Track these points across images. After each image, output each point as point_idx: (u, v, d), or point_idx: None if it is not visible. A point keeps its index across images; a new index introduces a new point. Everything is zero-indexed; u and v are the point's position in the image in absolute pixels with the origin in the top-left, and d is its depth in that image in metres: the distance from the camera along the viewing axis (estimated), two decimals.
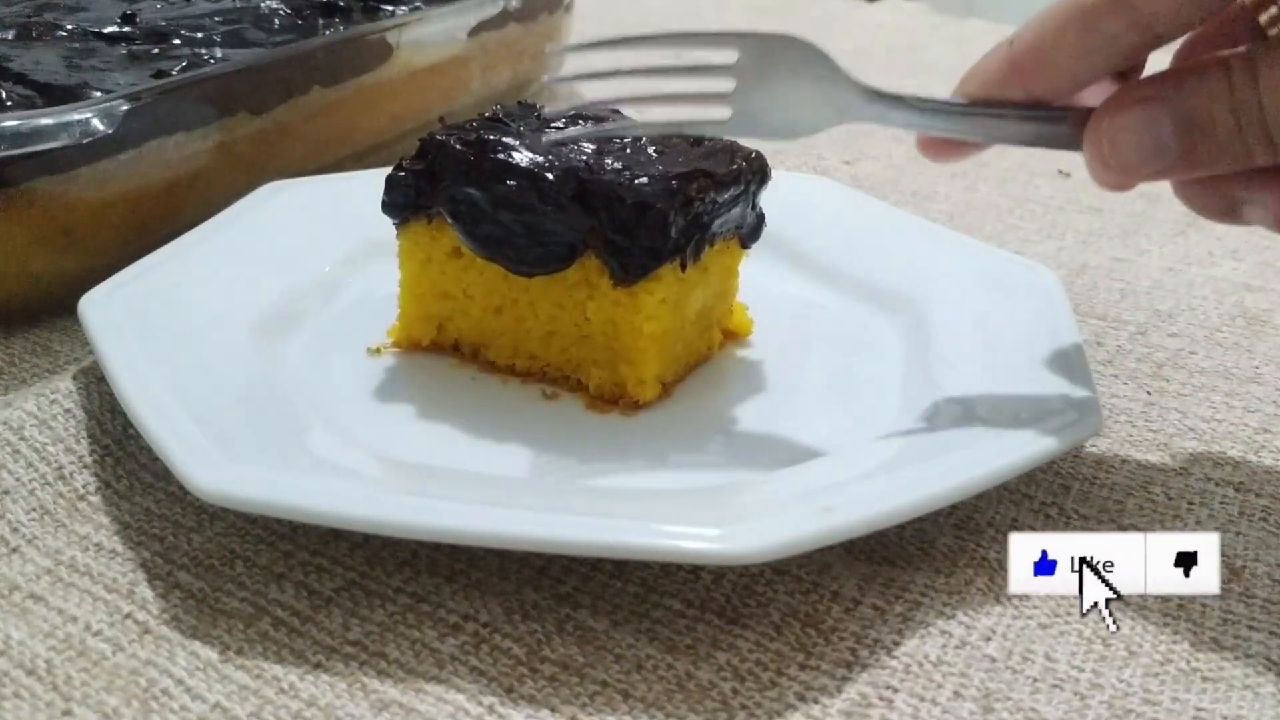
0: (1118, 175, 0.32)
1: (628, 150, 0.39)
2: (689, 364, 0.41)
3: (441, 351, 0.42)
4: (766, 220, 0.43)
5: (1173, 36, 0.31)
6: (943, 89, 0.45)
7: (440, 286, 0.41)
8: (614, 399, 0.39)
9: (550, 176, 0.37)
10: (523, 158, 0.38)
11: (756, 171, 0.41)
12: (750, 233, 0.42)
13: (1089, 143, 0.32)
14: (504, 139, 0.39)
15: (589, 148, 0.39)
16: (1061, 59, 0.32)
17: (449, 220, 0.39)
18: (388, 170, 0.40)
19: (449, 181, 0.38)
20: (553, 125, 0.41)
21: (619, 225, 0.36)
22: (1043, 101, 0.33)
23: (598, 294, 0.38)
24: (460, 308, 0.41)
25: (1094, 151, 0.32)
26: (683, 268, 0.38)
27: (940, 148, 0.36)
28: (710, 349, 0.42)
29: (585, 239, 0.37)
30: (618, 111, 0.43)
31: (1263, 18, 0.32)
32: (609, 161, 0.38)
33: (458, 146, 0.38)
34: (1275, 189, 0.31)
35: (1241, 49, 0.30)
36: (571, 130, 0.40)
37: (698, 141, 0.40)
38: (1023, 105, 0.34)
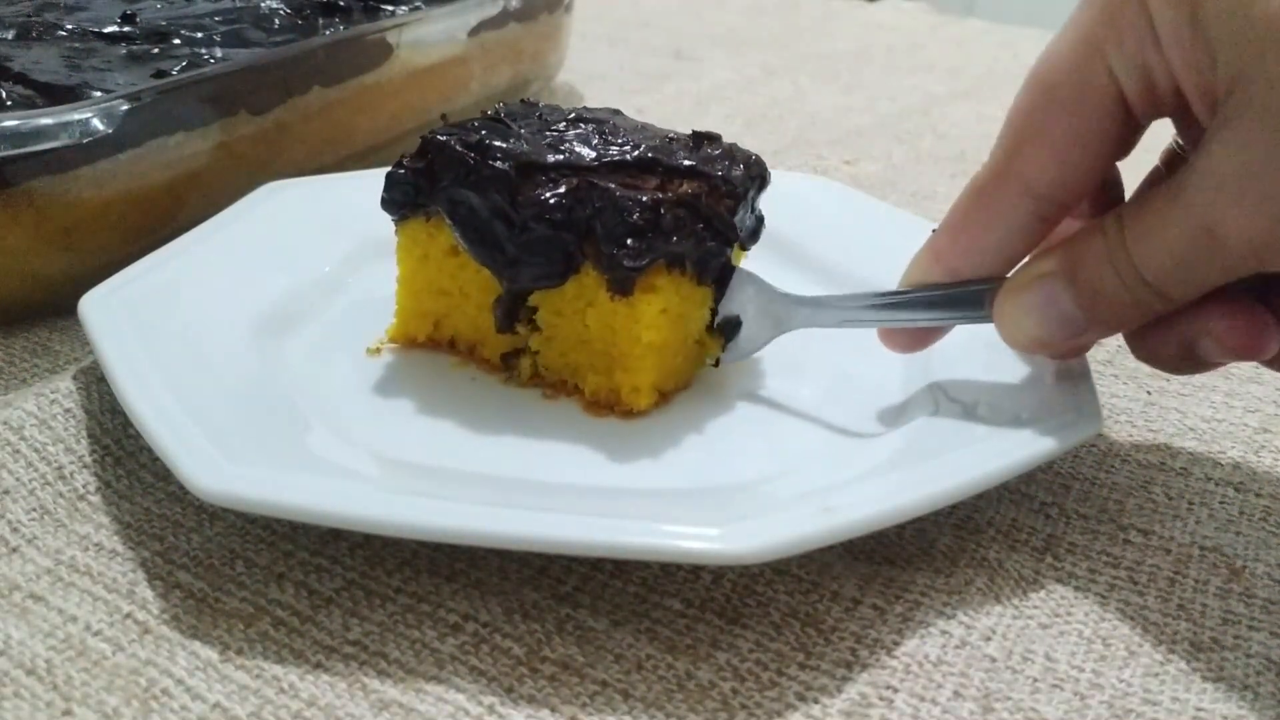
0: (1034, 348, 0.33)
1: (627, 158, 0.39)
2: (690, 376, 0.40)
3: (438, 348, 0.42)
4: (766, 221, 0.43)
5: (1066, 201, 0.32)
6: (943, 89, 0.45)
7: (437, 284, 0.41)
8: (609, 405, 0.38)
9: (547, 194, 0.37)
10: (519, 163, 0.38)
11: (756, 176, 0.41)
12: (749, 235, 0.42)
13: (999, 324, 0.33)
14: (505, 143, 0.39)
15: (589, 155, 0.39)
16: (971, 240, 0.34)
17: (447, 220, 0.39)
18: (388, 170, 0.40)
19: (448, 182, 0.38)
20: (553, 127, 0.41)
21: (612, 236, 0.36)
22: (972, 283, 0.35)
23: (597, 302, 0.38)
24: (456, 305, 0.41)
25: (1005, 332, 0.33)
26: (683, 272, 0.37)
27: (898, 339, 0.38)
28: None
29: (582, 249, 0.37)
30: (618, 112, 0.43)
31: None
32: (606, 171, 0.38)
33: (458, 147, 0.38)
34: (1213, 317, 0.30)
35: (1111, 212, 0.30)
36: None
37: (698, 145, 0.40)
38: (943, 287, 0.35)
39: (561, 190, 0.37)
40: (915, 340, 0.38)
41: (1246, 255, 0.27)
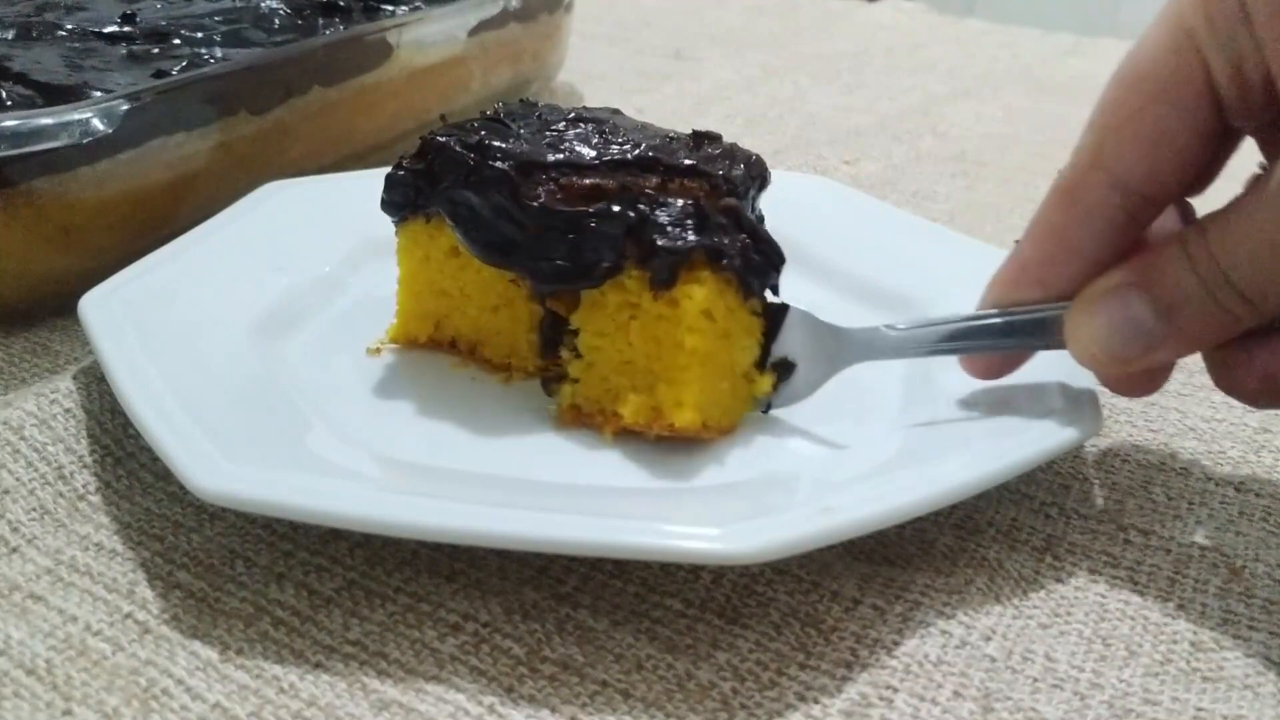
0: (1108, 365, 0.31)
1: (628, 157, 0.39)
2: (736, 416, 0.37)
3: (439, 349, 0.42)
4: (766, 221, 0.42)
5: (1155, 196, 0.31)
6: (943, 89, 0.45)
7: (438, 285, 0.41)
8: (649, 425, 0.36)
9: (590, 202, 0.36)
10: (519, 163, 0.38)
11: (756, 176, 0.41)
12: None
13: (1070, 340, 0.32)
14: (505, 143, 0.39)
15: (589, 154, 0.39)
16: (1059, 244, 0.32)
17: (449, 222, 0.39)
18: (388, 170, 0.40)
19: (448, 183, 0.38)
20: (553, 127, 0.41)
21: (656, 223, 0.35)
22: (1063, 297, 0.33)
23: (641, 311, 0.36)
24: (457, 306, 0.41)
25: (1076, 348, 0.32)
26: (727, 278, 0.36)
27: (979, 365, 0.36)
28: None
29: (624, 250, 0.36)
30: (617, 112, 0.43)
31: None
32: (606, 170, 0.38)
33: (457, 148, 0.38)
34: None
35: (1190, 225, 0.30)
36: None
37: (698, 145, 0.40)
38: (1008, 313, 0.34)
39: (602, 188, 0.37)
40: (997, 367, 0.36)
41: None
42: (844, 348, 0.37)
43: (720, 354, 0.36)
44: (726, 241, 0.36)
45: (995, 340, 0.35)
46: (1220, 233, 0.28)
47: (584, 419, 0.38)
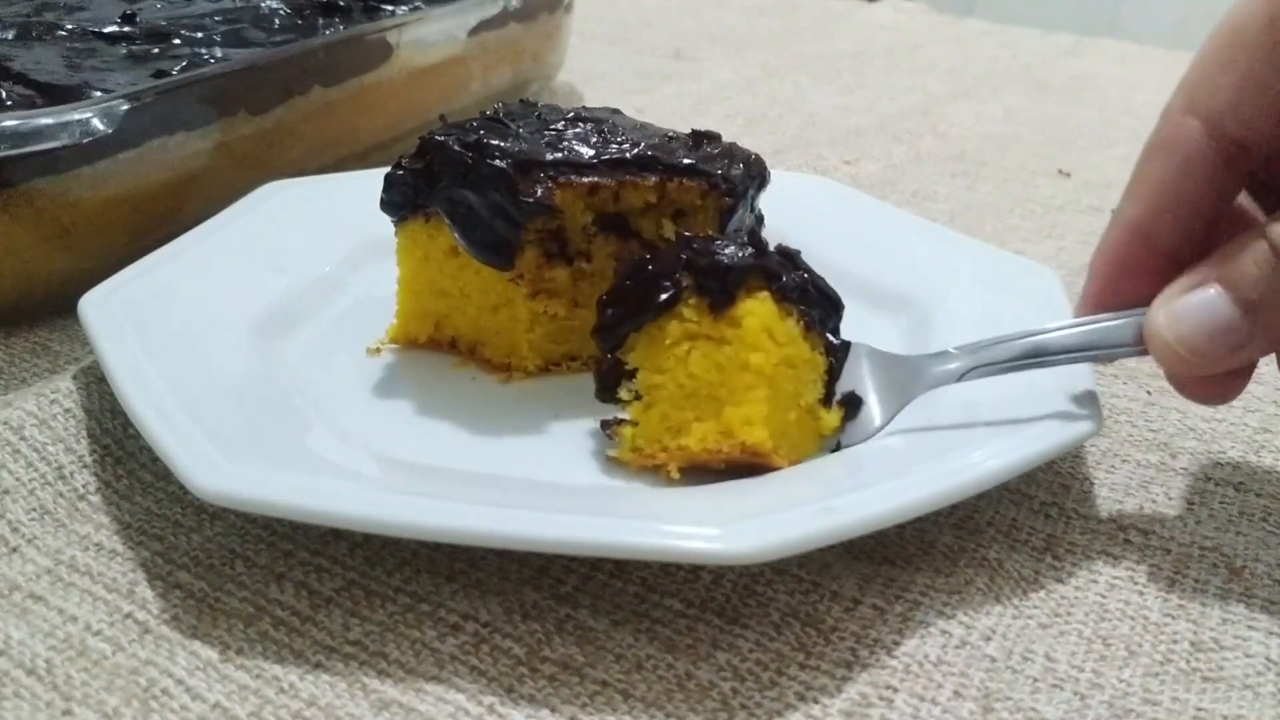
0: (1191, 365, 0.30)
1: (627, 156, 0.39)
2: (803, 450, 0.35)
3: (439, 349, 0.42)
4: (766, 220, 0.43)
5: (1247, 142, 0.31)
6: (943, 89, 0.45)
7: (438, 284, 0.41)
8: (718, 447, 0.34)
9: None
10: (518, 162, 0.38)
11: (755, 175, 0.41)
12: (748, 235, 0.42)
13: (1150, 339, 0.31)
14: (504, 142, 0.39)
15: (588, 153, 0.39)
16: (1161, 197, 0.32)
17: (446, 221, 0.39)
18: (388, 170, 0.40)
19: (446, 182, 0.38)
20: (552, 127, 0.41)
21: (711, 247, 0.35)
22: (1170, 255, 0.32)
23: (700, 338, 0.34)
24: (457, 306, 0.41)
25: (1157, 348, 0.31)
26: (787, 307, 0.35)
27: (1201, 387, 0.33)
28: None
29: (680, 278, 0.35)
30: (617, 111, 0.43)
31: None
32: (605, 169, 0.38)
33: (456, 147, 0.38)
34: None
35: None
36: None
37: (697, 144, 0.41)
38: (1083, 323, 0.34)
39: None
40: (1223, 383, 0.33)
41: None
42: (913, 377, 0.36)
43: (784, 379, 0.35)
44: (784, 278, 0.35)
45: (1069, 353, 0.34)
46: None
47: (646, 459, 0.35)
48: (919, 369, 0.36)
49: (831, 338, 0.36)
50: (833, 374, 0.36)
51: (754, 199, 0.41)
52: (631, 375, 0.36)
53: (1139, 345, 0.32)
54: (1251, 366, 0.32)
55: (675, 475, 0.35)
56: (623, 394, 0.36)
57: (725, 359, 0.34)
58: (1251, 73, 0.30)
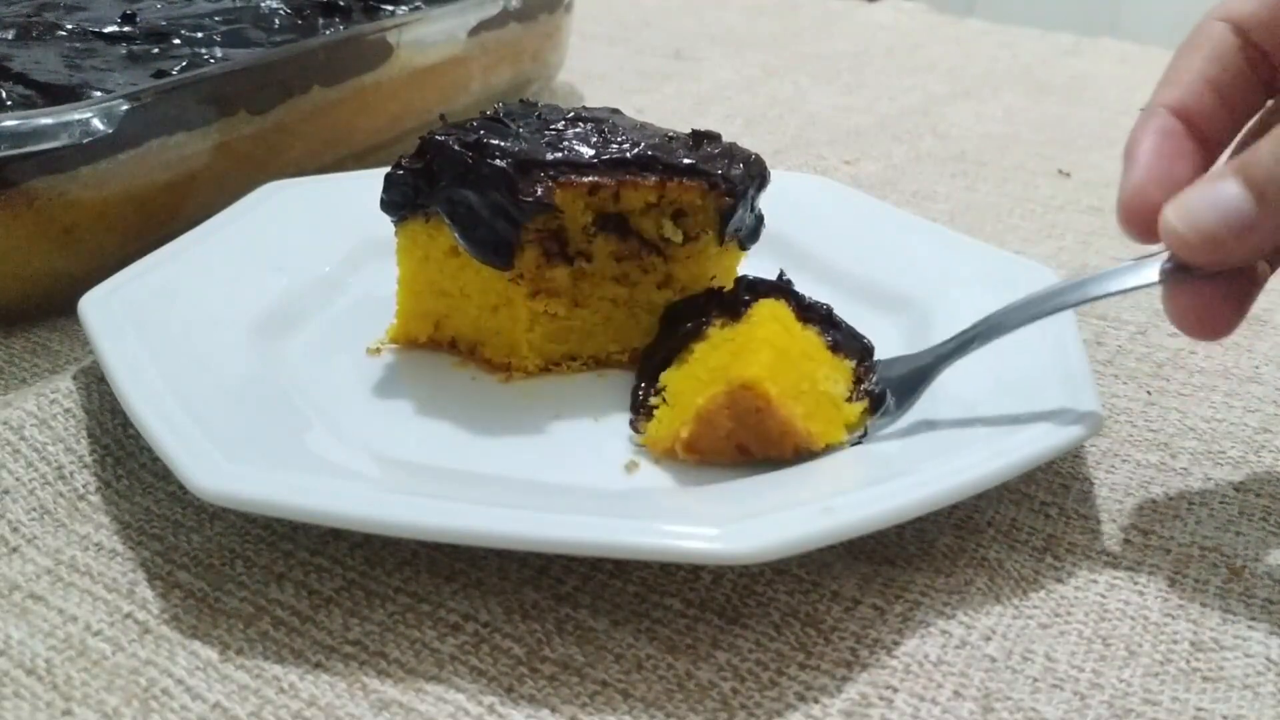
0: (1202, 249, 0.31)
1: (627, 155, 0.39)
2: (824, 435, 0.35)
3: (439, 349, 0.42)
4: (766, 220, 0.43)
5: (1267, 41, 0.33)
6: (943, 89, 0.45)
7: (438, 284, 0.41)
8: (715, 397, 0.34)
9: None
10: (518, 161, 0.38)
11: (755, 175, 0.41)
12: (749, 234, 0.42)
13: (1165, 230, 0.31)
14: (504, 142, 0.39)
15: (588, 153, 0.39)
16: (1183, 74, 0.34)
17: (446, 221, 0.39)
18: (387, 170, 0.40)
19: (446, 182, 0.38)
20: (552, 126, 0.41)
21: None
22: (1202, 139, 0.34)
23: (719, 344, 0.37)
24: (457, 305, 0.41)
25: (1170, 234, 0.31)
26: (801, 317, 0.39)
27: (1198, 314, 0.33)
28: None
29: (710, 310, 0.40)
30: (617, 111, 0.43)
31: None
32: (605, 168, 0.38)
33: (456, 147, 0.38)
34: None
35: None
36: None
37: (697, 144, 0.41)
38: (1063, 288, 0.35)
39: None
40: (1213, 322, 0.33)
41: None
42: (931, 364, 0.37)
43: (795, 354, 0.35)
44: (805, 300, 0.40)
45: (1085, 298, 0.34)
46: None
47: (666, 441, 0.36)
48: (937, 359, 0.37)
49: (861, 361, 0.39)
50: (859, 380, 0.38)
51: (754, 199, 0.41)
52: (661, 390, 0.38)
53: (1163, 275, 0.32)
54: (1248, 297, 0.33)
55: (683, 454, 0.35)
56: (653, 401, 0.38)
57: (738, 342, 0.36)
58: None
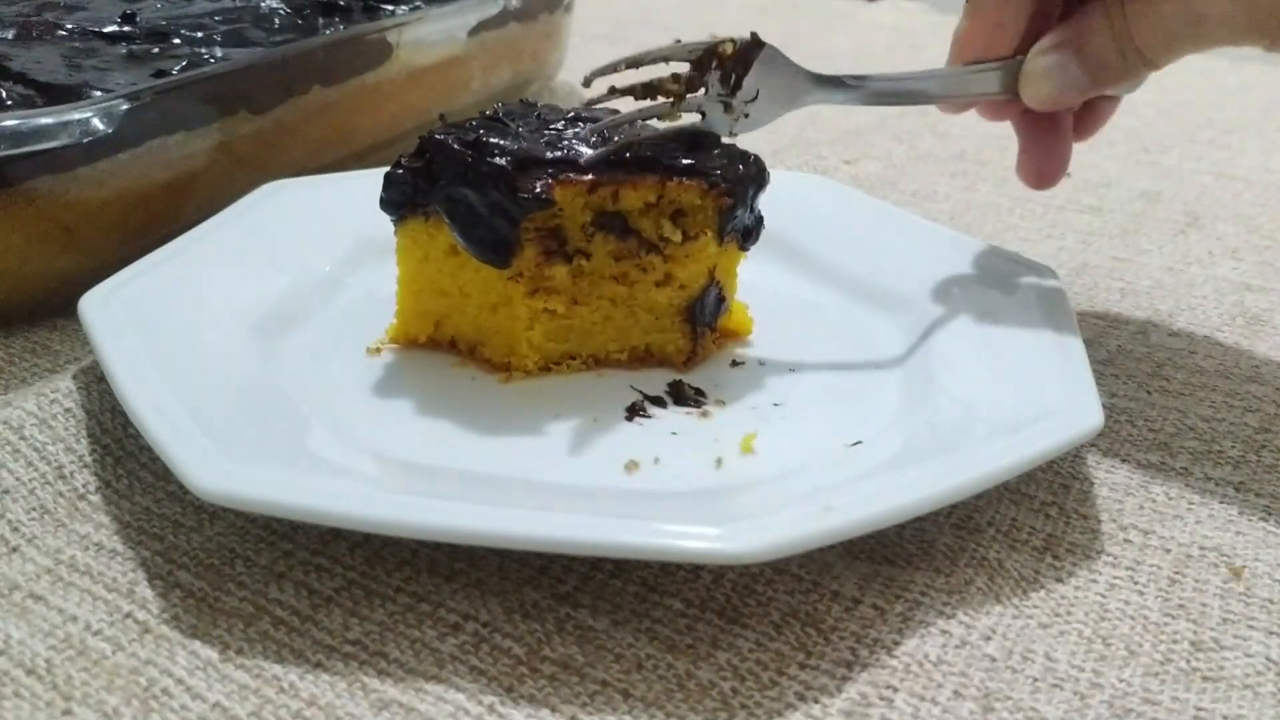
0: (1048, 105, 0.41)
1: (626, 155, 0.39)
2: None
3: (439, 349, 0.42)
4: (766, 221, 0.43)
5: None
6: None
7: (437, 284, 0.41)
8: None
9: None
10: (517, 159, 0.38)
11: (755, 175, 0.41)
12: (749, 235, 0.42)
13: (1024, 89, 0.41)
14: (503, 141, 0.39)
15: (587, 152, 0.39)
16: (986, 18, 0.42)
17: (446, 220, 0.39)
18: (387, 169, 0.40)
19: (446, 181, 0.38)
20: (551, 126, 0.41)
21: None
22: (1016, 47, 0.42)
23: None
24: (457, 305, 0.41)
25: (1028, 93, 0.41)
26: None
27: (1037, 174, 0.45)
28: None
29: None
30: (615, 112, 0.43)
31: None
32: (605, 168, 0.38)
33: (455, 146, 0.38)
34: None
35: None
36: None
37: (695, 145, 0.41)
38: (961, 67, 0.42)
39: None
40: (1049, 172, 0.44)
41: (1223, 36, 0.36)
42: (805, 88, 0.41)
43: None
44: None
45: (955, 92, 0.42)
46: (1136, 11, 0.37)
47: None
48: (812, 87, 0.41)
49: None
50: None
51: (754, 199, 0.41)
52: None
53: (1002, 92, 0.42)
54: (1068, 154, 0.44)
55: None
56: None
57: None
58: None
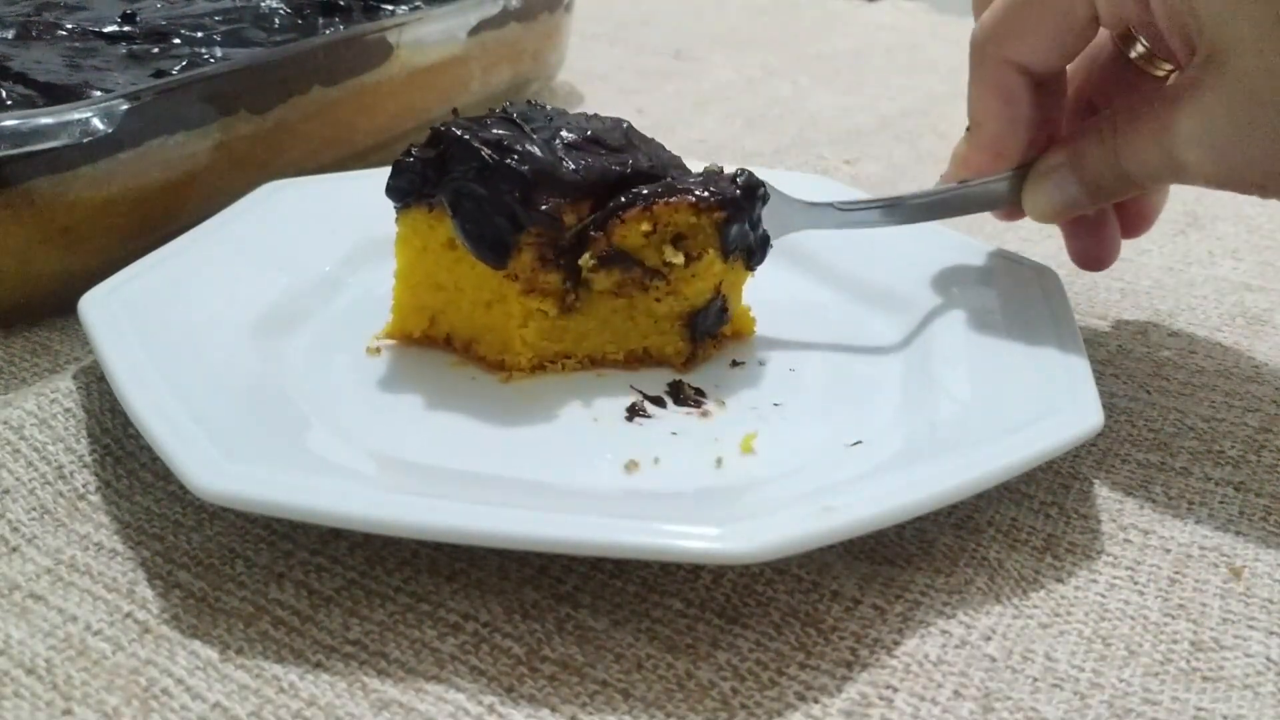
0: (1050, 220, 0.42)
1: (628, 172, 0.40)
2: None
3: (434, 345, 0.42)
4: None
5: (1050, 72, 0.41)
6: (943, 89, 0.45)
7: (434, 277, 0.41)
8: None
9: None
10: (536, 170, 0.38)
11: (745, 187, 0.40)
12: (754, 253, 0.41)
13: (1028, 207, 0.42)
14: (523, 146, 0.39)
15: (598, 166, 0.39)
16: (992, 123, 0.42)
17: (448, 211, 0.39)
18: (388, 170, 0.40)
19: (458, 174, 0.38)
20: (563, 136, 0.41)
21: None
22: (1015, 164, 0.42)
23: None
24: (452, 300, 0.41)
25: (1033, 213, 0.42)
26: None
27: (1090, 257, 0.46)
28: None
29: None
30: (621, 121, 0.44)
31: (1132, 54, 0.40)
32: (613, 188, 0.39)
33: (475, 143, 0.38)
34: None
35: (1107, 112, 0.39)
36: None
37: (688, 173, 0.41)
38: (945, 190, 0.43)
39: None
40: (1099, 256, 0.45)
41: (1201, 182, 0.37)
42: (792, 216, 0.42)
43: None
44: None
45: (934, 213, 0.43)
46: (1126, 141, 0.38)
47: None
48: (798, 211, 0.43)
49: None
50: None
51: (753, 214, 0.41)
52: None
53: (1007, 201, 0.43)
54: (1117, 239, 0.45)
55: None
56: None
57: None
58: (1049, 33, 0.39)
